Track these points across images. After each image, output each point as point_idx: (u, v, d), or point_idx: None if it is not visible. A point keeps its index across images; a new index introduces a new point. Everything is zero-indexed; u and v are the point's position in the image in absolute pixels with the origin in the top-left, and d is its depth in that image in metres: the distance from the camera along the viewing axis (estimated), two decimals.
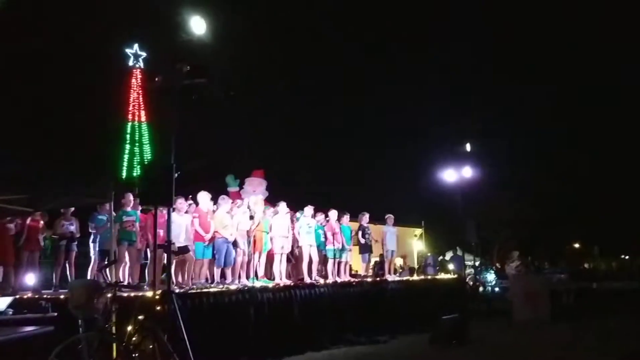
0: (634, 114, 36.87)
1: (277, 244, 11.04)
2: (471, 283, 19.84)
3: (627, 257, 36.96)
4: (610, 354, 9.30)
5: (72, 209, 10.31)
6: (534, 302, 13.79)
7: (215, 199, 10.54)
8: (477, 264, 23.21)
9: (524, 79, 41.07)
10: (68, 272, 10.35)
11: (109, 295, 6.06)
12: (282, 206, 11.44)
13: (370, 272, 14.69)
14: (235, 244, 10.33)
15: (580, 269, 28.09)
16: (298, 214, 12.20)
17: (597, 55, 42.29)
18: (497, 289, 21.20)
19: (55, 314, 7.01)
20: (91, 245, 10.33)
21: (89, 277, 9.86)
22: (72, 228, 10.32)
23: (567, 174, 34.46)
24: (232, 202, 11.00)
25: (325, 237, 12.20)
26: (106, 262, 8.89)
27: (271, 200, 12.22)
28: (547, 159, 36.94)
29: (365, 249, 13.53)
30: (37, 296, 8.61)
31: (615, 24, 39.64)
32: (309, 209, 12.02)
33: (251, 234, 10.40)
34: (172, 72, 7.20)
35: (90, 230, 10.32)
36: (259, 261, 10.92)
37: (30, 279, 9.93)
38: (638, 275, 22.38)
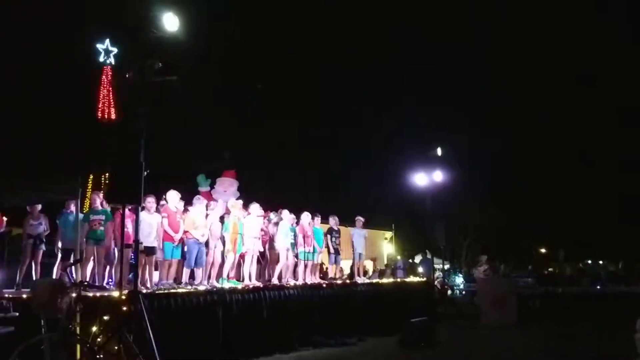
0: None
1: (247, 245, 10.95)
2: (439, 286, 20.02)
3: (589, 261, 37.65)
4: (573, 357, 9.48)
5: (39, 206, 9.98)
6: (501, 306, 13.97)
7: (185, 199, 10.40)
8: (446, 267, 23.42)
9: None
10: (33, 271, 10.03)
11: (74, 294, 5.93)
12: (255, 207, 11.35)
13: (340, 274, 14.68)
14: (206, 244, 10.22)
15: (546, 273, 28.56)
16: (271, 215, 12.10)
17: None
18: (465, 293, 21.49)
19: (17, 313, 6.85)
20: (59, 243, 10.06)
21: (54, 276, 9.63)
22: (41, 228, 9.88)
23: (534, 180, 35.10)
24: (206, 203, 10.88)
25: (297, 239, 12.13)
26: (71, 261, 8.70)
27: (243, 201, 12.10)
28: (515, 163, 37.57)
29: (334, 251, 13.49)
30: None
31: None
32: (287, 213, 11.92)
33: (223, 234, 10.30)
34: (143, 69, 7.11)
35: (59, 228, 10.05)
36: (231, 263, 10.80)
37: None
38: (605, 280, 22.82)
